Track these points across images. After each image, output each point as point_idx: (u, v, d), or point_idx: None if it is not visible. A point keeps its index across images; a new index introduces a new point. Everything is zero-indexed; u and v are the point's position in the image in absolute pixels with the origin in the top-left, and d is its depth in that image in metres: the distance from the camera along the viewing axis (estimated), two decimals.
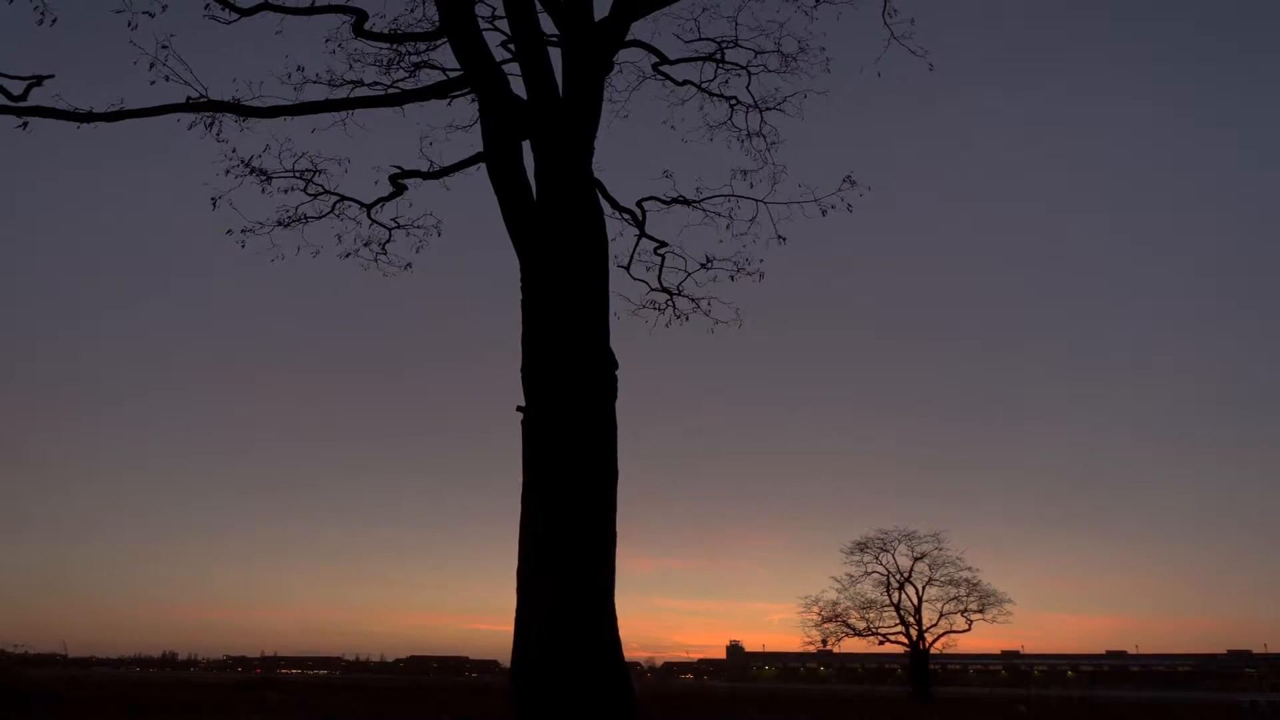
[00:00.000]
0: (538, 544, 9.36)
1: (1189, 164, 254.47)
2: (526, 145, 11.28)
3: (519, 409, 9.93)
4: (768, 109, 15.47)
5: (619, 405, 10.26)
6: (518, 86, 11.51)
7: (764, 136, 15.49)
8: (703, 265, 14.58)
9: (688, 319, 14.93)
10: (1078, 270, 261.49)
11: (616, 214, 14.61)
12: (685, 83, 15.52)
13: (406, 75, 14.14)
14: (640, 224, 14.66)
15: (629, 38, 13.98)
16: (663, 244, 14.78)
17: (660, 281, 14.98)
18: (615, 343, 10.52)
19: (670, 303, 14.99)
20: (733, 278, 14.42)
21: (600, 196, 13.94)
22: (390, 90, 13.79)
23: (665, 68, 15.29)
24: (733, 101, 15.58)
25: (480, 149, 11.83)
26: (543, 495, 9.48)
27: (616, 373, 10.31)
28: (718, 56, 15.15)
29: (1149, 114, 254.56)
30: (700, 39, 15.06)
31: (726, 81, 15.49)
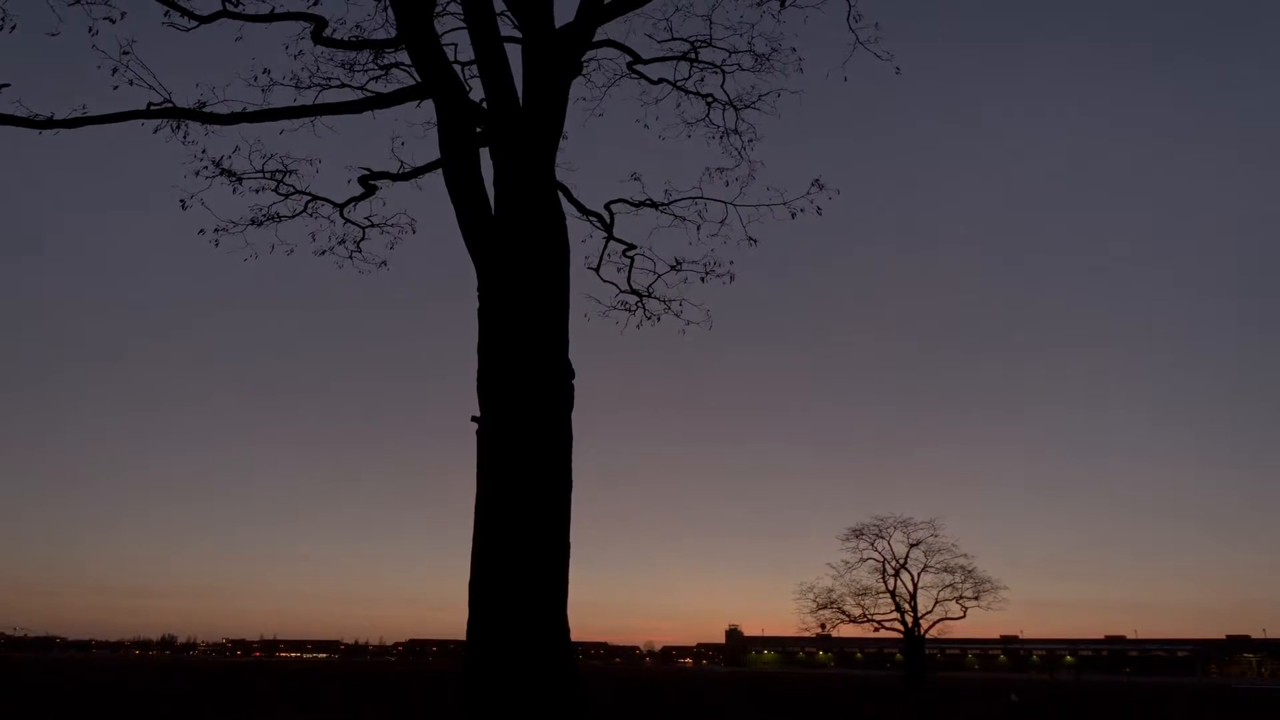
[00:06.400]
0: (492, 554, 9.36)
1: (1172, 163, 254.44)
2: (486, 152, 11.25)
3: (473, 419, 9.92)
4: (744, 107, 15.43)
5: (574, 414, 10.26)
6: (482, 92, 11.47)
7: (740, 134, 15.46)
8: (672, 267, 14.61)
9: (659, 320, 14.95)
10: (1075, 264, 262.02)
11: (584, 217, 14.60)
12: (660, 81, 15.48)
13: (379, 74, 14.12)
14: (609, 227, 14.65)
15: (602, 38, 13.94)
16: (631, 246, 14.78)
17: (630, 283, 15.01)
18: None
19: (640, 304, 15.01)
20: (703, 279, 14.44)
21: (566, 200, 13.95)
22: (363, 90, 13.80)
23: (640, 67, 15.22)
24: (709, 99, 15.53)
25: None
26: (497, 505, 9.47)
27: (573, 382, 10.29)
28: (691, 56, 15.10)
29: (1131, 115, 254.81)
30: (673, 39, 15.01)
31: (702, 79, 15.46)
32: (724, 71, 15.18)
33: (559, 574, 9.46)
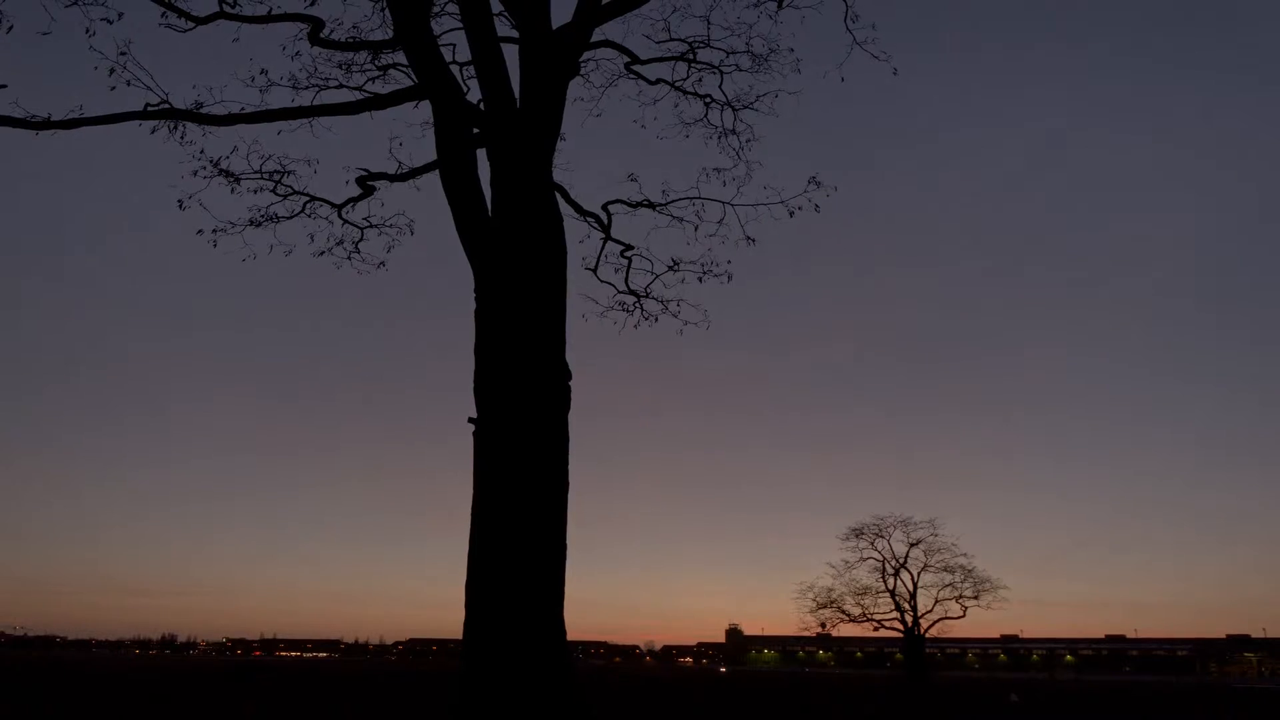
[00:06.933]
0: (488, 555, 9.35)
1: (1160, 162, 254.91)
2: (483, 153, 11.25)
3: (470, 420, 9.92)
4: (741, 108, 15.42)
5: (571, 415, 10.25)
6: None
7: (738, 134, 15.45)
8: (670, 267, 14.58)
9: (657, 320, 14.93)
10: (1075, 265, 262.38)
11: (581, 218, 14.59)
12: (658, 81, 15.47)
13: (377, 75, 14.10)
14: (606, 227, 14.64)
15: (600, 38, 13.94)
16: (629, 247, 14.76)
17: (628, 284, 14.98)
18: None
19: (638, 304, 15.00)
20: (700, 279, 14.41)
21: (564, 201, 13.94)
22: (361, 91, 13.80)
23: (638, 67, 15.21)
24: (707, 99, 15.53)
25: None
26: (494, 507, 9.46)
27: (571, 383, 10.29)
28: (689, 56, 15.08)
29: (1132, 118, 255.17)
30: (671, 39, 14.99)
31: (700, 80, 15.45)
32: (722, 72, 15.17)
33: (555, 575, 9.44)
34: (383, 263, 14.97)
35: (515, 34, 12.50)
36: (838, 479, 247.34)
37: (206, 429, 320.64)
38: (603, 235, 14.71)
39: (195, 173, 13.31)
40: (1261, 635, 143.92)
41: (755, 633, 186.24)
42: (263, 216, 14.01)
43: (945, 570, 66.90)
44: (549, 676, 8.96)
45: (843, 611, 67.95)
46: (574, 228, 14.18)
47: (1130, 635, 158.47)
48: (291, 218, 14.22)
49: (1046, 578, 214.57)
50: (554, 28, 11.88)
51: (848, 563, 69.73)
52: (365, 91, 13.70)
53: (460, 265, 10.77)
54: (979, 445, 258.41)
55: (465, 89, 12.18)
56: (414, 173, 13.86)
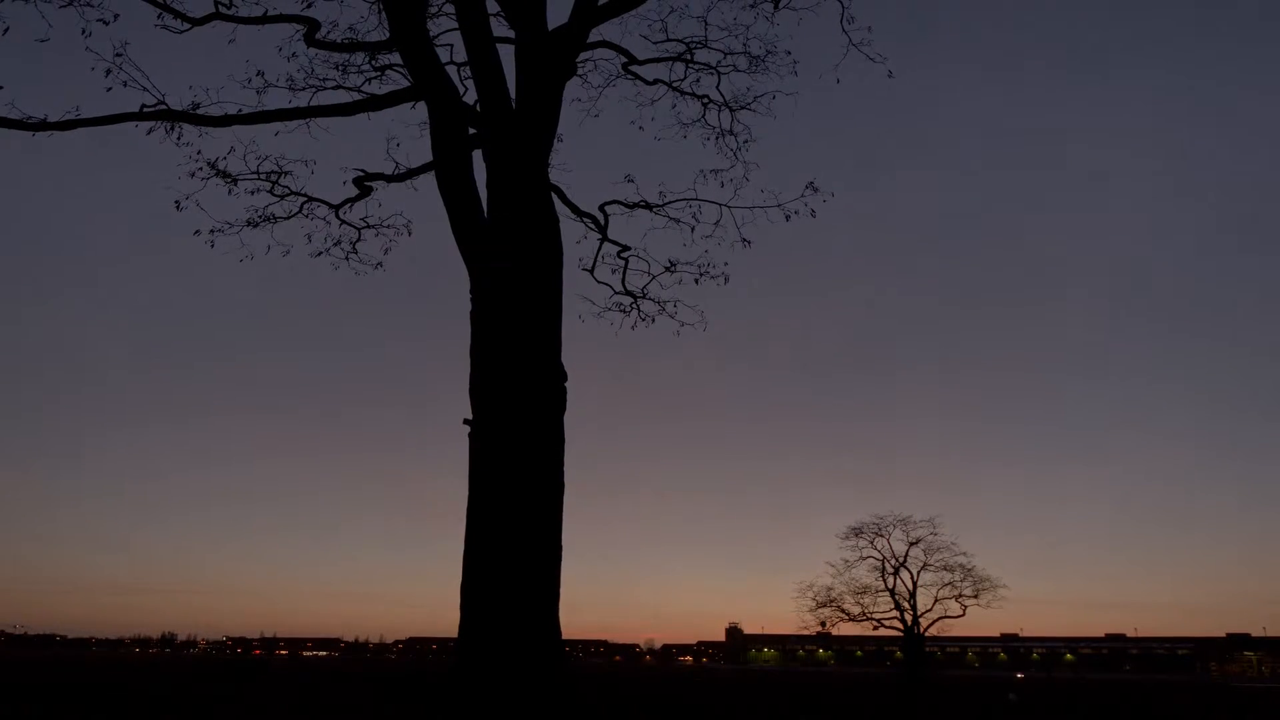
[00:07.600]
0: (483, 557, 9.36)
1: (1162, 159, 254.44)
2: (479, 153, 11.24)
3: (465, 422, 9.92)
4: (739, 108, 15.40)
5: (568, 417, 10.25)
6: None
7: (735, 135, 15.43)
8: (667, 269, 14.56)
9: (654, 321, 14.93)
10: (1077, 265, 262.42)
11: (578, 218, 14.59)
12: (656, 82, 15.45)
13: (374, 76, 14.09)
14: (603, 228, 14.63)
15: (597, 39, 13.94)
16: (626, 248, 14.75)
17: (624, 285, 14.97)
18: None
19: (635, 306, 14.99)
20: (697, 281, 14.40)
21: (560, 202, 13.94)
22: (358, 91, 13.79)
23: (635, 68, 15.19)
24: (704, 100, 15.51)
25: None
26: (490, 509, 9.46)
27: (567, 385, 10.29)
28: (687, 57, 15.06)
29: (1132, 117, 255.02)
30: (669, 40, 14.96)
31: (697, 81, 15.42)
32: (719, 73, 15.14)
33: (550, 576, 9.44)
34: (380, 263, 14.97)
35: (511, 34, 12.51)
36: (838, 479, 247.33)
37: (207, 429, 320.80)
38: (600, 236, 14.71)
39: (192, 174, 13.33)
40: (1261, 634, 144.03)
41: (755, 631, 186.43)
42: (260, 217, 14.01)
43: (945, 569, 66.85)
44: (543, 677, 8.96)
45: (842, 610, 67.92)
46: (571, 228, 14.22)
47: (1130, 635, 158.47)
48: (289, 218, 14.22)
49: (1046, 578, 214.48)
50: (550, 28, 11.88)
51: (847, 562, 69.70)
52: (362, 92, 13.68)
53: (457, 266, 10.77)
54: (979, 445, 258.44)
55: (462, 90, 12.19)
56: (411, 173, 13.86)
